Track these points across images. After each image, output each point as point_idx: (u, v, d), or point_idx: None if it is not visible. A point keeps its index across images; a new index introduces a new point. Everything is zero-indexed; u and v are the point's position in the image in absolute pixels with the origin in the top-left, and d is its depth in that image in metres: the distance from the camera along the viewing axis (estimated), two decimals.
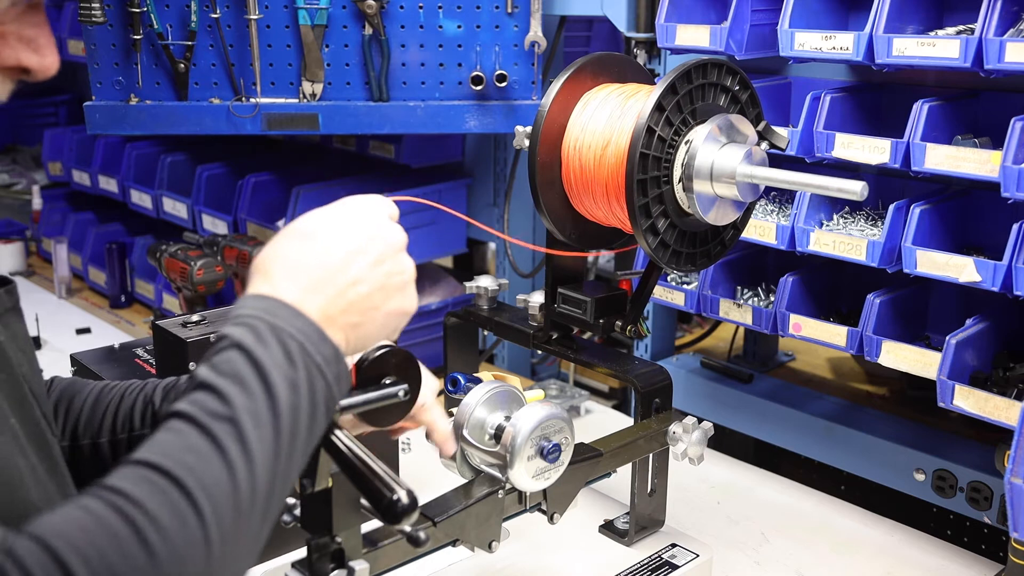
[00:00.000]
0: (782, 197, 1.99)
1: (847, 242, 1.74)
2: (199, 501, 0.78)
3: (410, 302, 1.06)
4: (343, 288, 0.98)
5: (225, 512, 0.79)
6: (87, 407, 1.21)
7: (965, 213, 1.80)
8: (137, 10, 2.13)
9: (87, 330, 2.71)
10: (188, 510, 0.77)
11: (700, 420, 1.56)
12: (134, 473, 0.79)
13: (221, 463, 0.81)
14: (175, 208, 2.80)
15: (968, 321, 1.71)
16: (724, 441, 2.12)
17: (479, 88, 2.17)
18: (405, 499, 1.05)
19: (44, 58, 0.89)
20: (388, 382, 1.24)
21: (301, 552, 1.17)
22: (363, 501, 1.08)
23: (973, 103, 1.77)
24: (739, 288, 2.06)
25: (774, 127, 1.51)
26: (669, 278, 2.09)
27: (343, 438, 1.07)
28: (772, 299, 1.98)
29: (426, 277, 2.77)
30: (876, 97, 1.89)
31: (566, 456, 1.35)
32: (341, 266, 0.99)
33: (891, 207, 1.71)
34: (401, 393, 1.21)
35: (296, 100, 2.20)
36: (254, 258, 1.03)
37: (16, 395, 0.99)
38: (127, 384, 1.25)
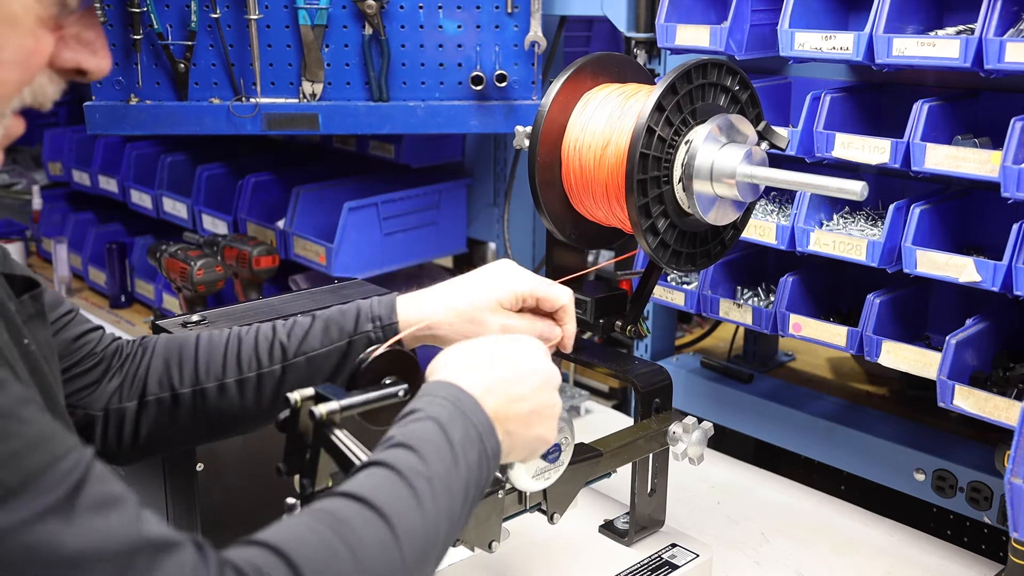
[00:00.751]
0: (782, 197, 1.99)
1: (847, 242, 1.74)
2: (403, 543, 0.89)
3: (551, 434, 1.16)
4: (511, 399, 1.10)
5: (417, 555, 0.90)
6: (203, 352, 1.29)
7: (965, 213, 1.80)
8: (137, 10, 2.13)
9: None
10: (394, 548, 0.88)
11: (700, 420, 1.56)
12: (352, 507, 0.89)
13: (419, 514, 0.92)
14: (175, 208, 2.80)
15: (968, 321, 1.71)
16: (724, 441, 2.12)
17: (479, 88, 2.17)
18: None
19: (101, 60, 0.91)
20: (388, 382, 1.24)
21: None
22: None
23: (973, 103, 1.77)
24: (739, 288, 2.06)
25: (774, 127, 1.51)
26: (669, 278, 2.09)
27: (343, 438, 1.07)
28: (772, 299, 1.98)
29: (426, 277, 2.77)
30: (876, 97, 1.89)
31: (566, 456, 1.35)
32: (513, 381, 1.11)
33: (891, 207, 1.71)
34: (401, 393, 1.21)
35: (296, 100, 2.20)
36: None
37: (50, 402, 1.00)
38: (236, 328, 1.33)
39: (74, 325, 1.27)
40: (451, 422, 1.01)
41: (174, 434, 1.30)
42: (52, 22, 0.86)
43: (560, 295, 1.33)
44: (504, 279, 1.33)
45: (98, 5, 2.02)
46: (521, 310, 1.35)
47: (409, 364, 1.30)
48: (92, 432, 1.26)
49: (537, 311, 1.37)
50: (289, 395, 1.11)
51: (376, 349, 1.27)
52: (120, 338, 1.33)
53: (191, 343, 1.30)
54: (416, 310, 1.31)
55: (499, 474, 1.33)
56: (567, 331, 1.37)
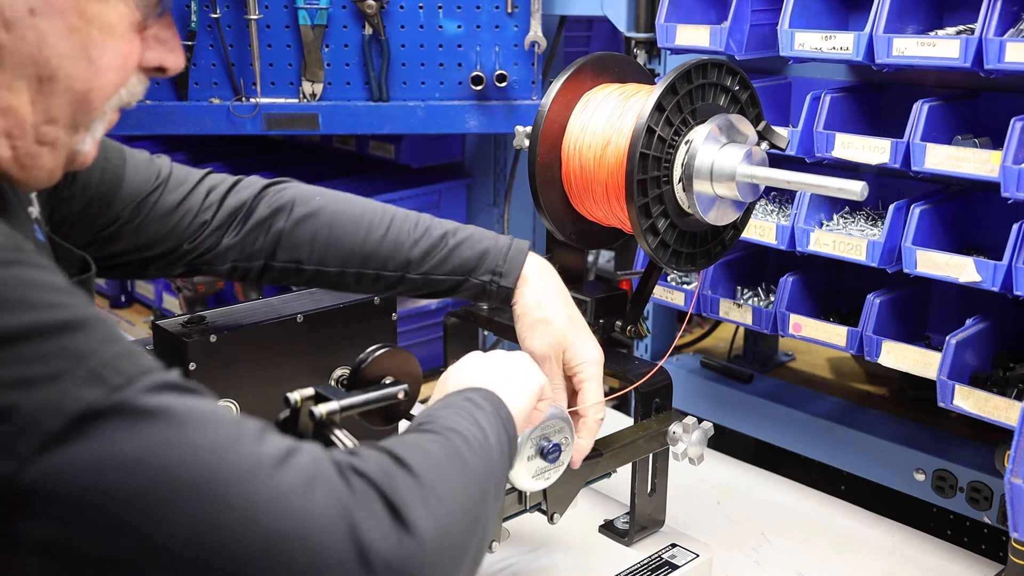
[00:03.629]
0: (782, 197, 1.99)
1: (847, 242, 1.74)
2: (474, 448, 0.95)
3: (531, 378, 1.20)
4: (515, 387, 1.14)
5: (486, 459, 0.97)
6: (333, 239, 1.43)
7: (965, 213, 1.80)
8: None
9: None
10: (474, 444, 0.96)
11: (700, 420, 1.56)
12: (424, 435, 0.94)
13: (466, 451, 0.96)
14: None
15: (968, 321, 1.70)
16: (724, 441, 2.12)
17: (479, 88, 2.17)
18: None
19: (178, 57, 0.98)
20: (388, 382, 1.24)
21: None
22: None
23: (973, 103, 1.77)
24: (739, 288, 2.06)
25: (774, 127, 1.51)
26: (669, 278, 2.09)
27: (343, 438, 1.07)
28: (772, 299, 1.98)
29: None
30: (876, 97, 1.89)
31: (566, 456, 1.35)
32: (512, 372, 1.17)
33: (891, 207, 1.71)
34: (400, 393, 1.22)
35: (296, 100, 2.20)
36: None
37: None
38: (368, 217, 1.45)
39: (168, 193, 1.38)
40: (463, 401, 1.04)
41: (289, 285, 1.52)
42: (139, 25, 0.92)
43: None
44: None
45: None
46: None
47: (409, 364, 1.30)
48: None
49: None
50: (289, 395, 1.11)
51: (377, 348, 1.27)
52: (229, 194, 1.44)
53: (324, 226, 1.41)
54: (532, 297, 1.42)
55: None
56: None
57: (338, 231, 1.41)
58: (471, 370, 1.16)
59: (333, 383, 1.51)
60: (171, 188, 1.38)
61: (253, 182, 1.46)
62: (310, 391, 1.13)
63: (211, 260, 1.42)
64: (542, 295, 1.41)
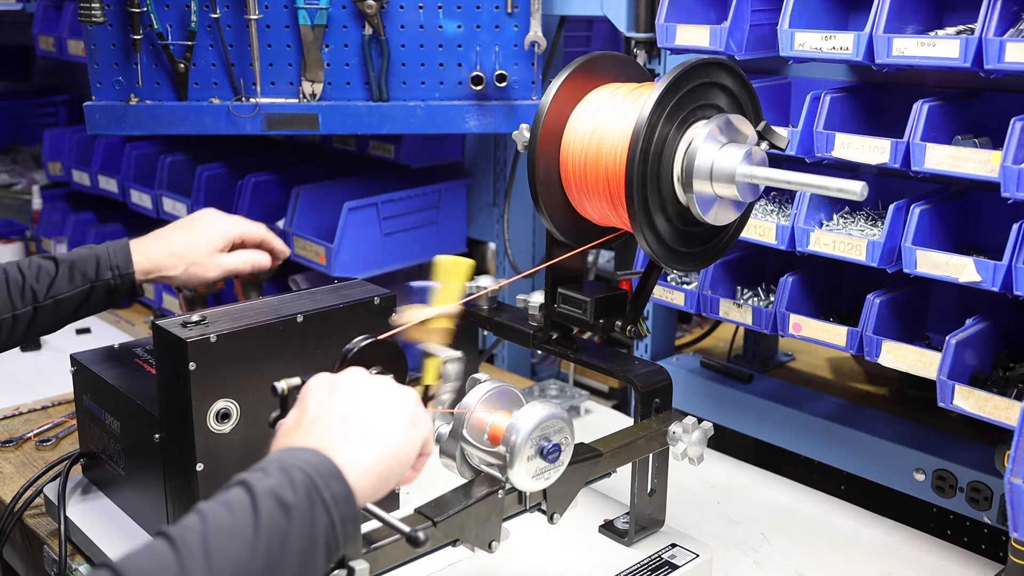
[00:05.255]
0: (782, 197, 1.99)
1: (847, 242, 1.74)
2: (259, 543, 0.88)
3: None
4: (376, 437, 1.06)
5: None
6: None
7: (965, 213, 1.80)
8: (137, 10, 2.13)
9: (87, 330, 2.71)
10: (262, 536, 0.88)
11: (700, 420, 1.56)
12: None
13: (178, 569, 0.86)
14: (175, 208, 2.80)
15: (968, 321, 1.70)
16: (724, 441, 2.12)
17: (479, 88, 2.17)
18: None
19: None
20: (374, 372, 1.25)
21: None
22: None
23: (973, 103, 1.76)
24: (739, 288, 2.06)
25: (774, 127, 1.51)
26: (669, 278, 2.09)
27: None
28: (772, 299, 1.98)
29: (426, 277, 2.76)
30: (876, 97, 1.89)
31: (566, 456, 1.35)
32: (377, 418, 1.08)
33: (891, 207, 1.71)
34: None
35: (296, 100, 2.20)
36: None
37: None
38: None
39: None
40: (264, 477, 0.95)
41: None
42: None
43: (259, 228, 1.76)
44: (213, 226, 1.73)
45: (96, 5, 2.04)
46: (232, 248, 1.76)
47: (395, 354, 1.30)
48: None
49: (245, 246, 1.79)
50: (276, 384, 1.12)
51: (363, 339, 1.27)
52: None
53: None
54: (148, 260, 1.68)
55: (499, 474, 1.33)
56: (277, 248, 1.82)
57: None
58: (330, 411, 1.06)
59: None
60: None
61: None
62: (296, 380, 1.13)
63: None
64: (167, 238, 1.72)
